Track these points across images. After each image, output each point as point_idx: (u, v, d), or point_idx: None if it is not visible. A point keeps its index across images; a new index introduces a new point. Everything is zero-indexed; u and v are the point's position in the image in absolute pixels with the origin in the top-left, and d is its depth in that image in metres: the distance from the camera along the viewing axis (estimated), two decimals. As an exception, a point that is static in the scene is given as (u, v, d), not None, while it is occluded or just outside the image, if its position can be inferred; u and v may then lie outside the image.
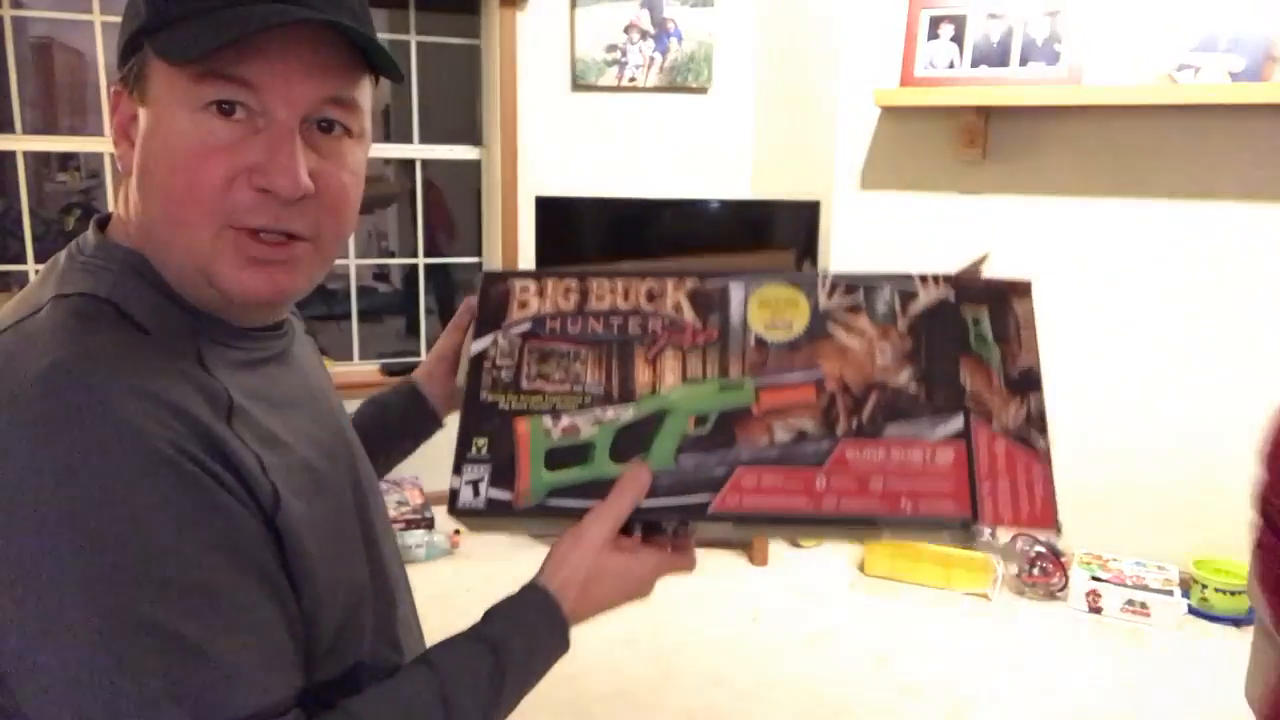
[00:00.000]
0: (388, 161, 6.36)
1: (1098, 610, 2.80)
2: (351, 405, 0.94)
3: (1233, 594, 2.73)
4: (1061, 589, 2.89)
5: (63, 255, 0.68)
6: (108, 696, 0.53)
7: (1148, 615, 2.75)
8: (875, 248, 3.23)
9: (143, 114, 0.65)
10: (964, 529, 0.69)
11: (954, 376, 0.73)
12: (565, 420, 0.74)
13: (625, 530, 0.73)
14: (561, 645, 0.72)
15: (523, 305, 0.79)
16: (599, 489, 0.72)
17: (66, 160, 9.94)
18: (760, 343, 0.75)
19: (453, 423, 1.02)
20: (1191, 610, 2.80)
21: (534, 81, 3.36)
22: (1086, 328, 2.98)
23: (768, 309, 0.77)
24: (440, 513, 3.21)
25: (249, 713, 0.57)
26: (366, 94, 0.69)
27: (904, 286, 0.77)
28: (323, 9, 0.63)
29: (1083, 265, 2.97)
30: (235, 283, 0.65)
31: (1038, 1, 2.86)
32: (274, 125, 0.63)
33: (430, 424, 1.03)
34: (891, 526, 0.71)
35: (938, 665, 2.51)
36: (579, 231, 3.22)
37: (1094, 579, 2.82)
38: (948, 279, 0.77)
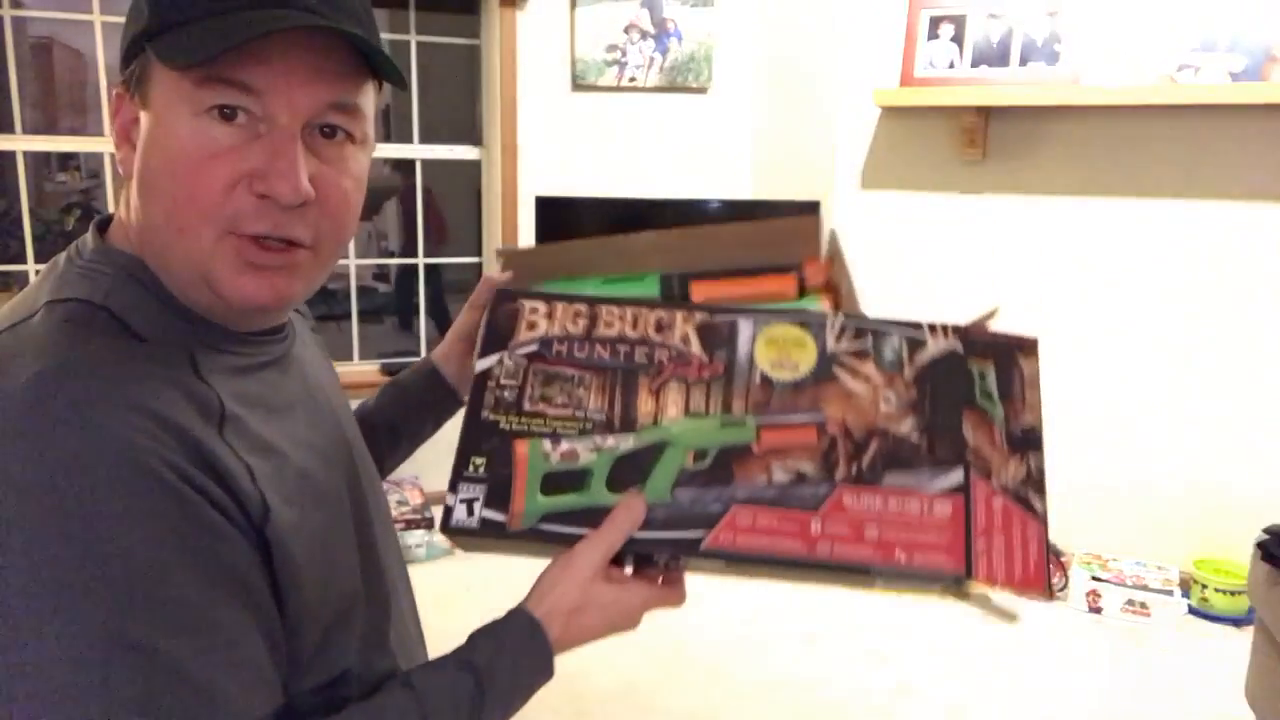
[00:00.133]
0: (386, 162, 6.36)
1: (1098, 610, 2.81)
2: (351, 405, 0.94)
3: (1233, 594, 2.73)
4: (1061, 589, 2.89)
5: (62, 258, 0.68)
6: (81, 715, 0.52)
7: (1148, 615, 2.75)
8: (875, 248, 3.23)
9: (144, 117, 0.64)
10: (956, 584, 0.69)
11: (956, 429, 0.73)
12: (564, 445, 0.74)
13: (617, 561, 0.72)
14: (545, 672, 0.71)
15: (531, 326, 0.78)
16: (593, 517, 0.71)
17: (66, 160, 9.94)
18: (765, 381, 0.75)
19: (457, 422, 1.02)
20: (1191, 610, 2.80)
21: (534, 81, 3.36)
22: (1086, 328, 2.98)
23: (775, 348, 0.76)
24: (440, 513, 3.21)
25: None
26: (369, 99, 0.69)
27: (912, 335, 0.77)
28: (326, 14, 0.63)
29: (1083, 265, 2.97)
30: (235, 288, 0.65)
31: (1038, 1, 2.86)
32: (276, 131, 0.63)
33: (451, 403, 1.03)
34: (884, 576, 0.70)
35: (937, 665, 2.51)
36: (579, 232, 3.22)
37: (1094, 579, 2.82)
38: (956, 330, 0.77)
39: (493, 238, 3.53)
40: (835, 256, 1.07)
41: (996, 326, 0.78)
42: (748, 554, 0.70)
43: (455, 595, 2.81)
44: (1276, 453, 2.77)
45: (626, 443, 0.74)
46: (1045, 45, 2.86)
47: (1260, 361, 2.79)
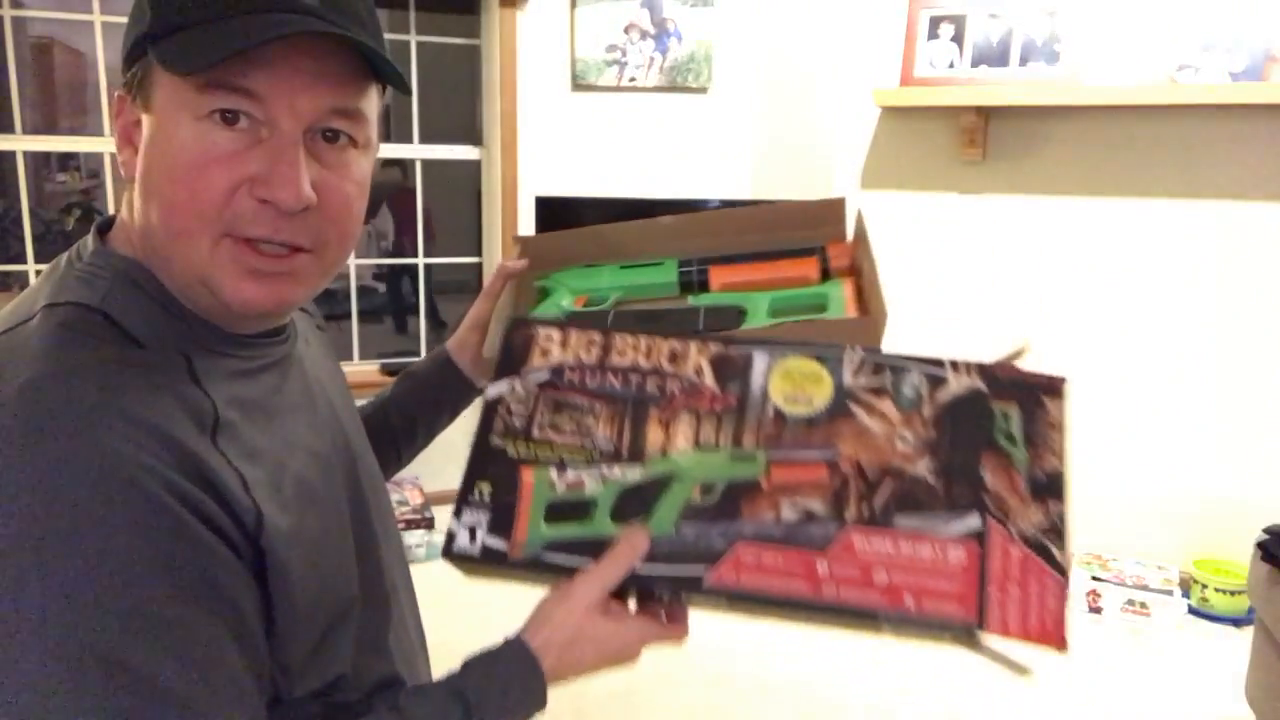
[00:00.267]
0: (385, 162, 6.35)
1: (1098, 610, 2.81)
2: (356, 404, 0.94)
3: (1233, 594, 2.73)
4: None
5: (62, 260, 0.68)
6: None
7: (1148, 615, 2.75)
8: (875, 248, 3.22)
9: (146, 121, 0.64)
10: (968, 634, 0.67)
11: (975, 472, 0.70)
12: (571, 474, 0.73)
13: (620, 594, 0.71)
14: (537, 703, 0.69)
15: (544, 353, 0.78)
16: (595, 548, 0.70)
17: (66, 160, 9.94)
18: (778, 415, 0.73)
19: (463, 420, 1.02)
20: (1191, 610, 2.80)
21: (534, 81, 3.36)
22: (1086, 328, 2.98)
23: (790, 381, 0.75)
24: (440, 513, 3.21)
25: None
26: (372, 104, 0.68)
27: (933, 372, 0.74)
28: (329, 19, 0.62)
29: (1083, 265, 2.97)
30: (235, 293, 0.64)
31: (1038, 1, 2.86)
32: (277, 136, 0.62)
33: (467, 391, 1.03)
34: (892, 623, 0.68)
35: (937, 665, 2.51)
36: (579, 232, 3.22)
37: (1094, 579, 2.82)
38: (980, 368, 0.74)
39: (493, 238, 3.53)
40: (860, 238, 1.04)
41: (1024, 364, 0.75)
42: (750, 593, 0.69)
43: (455, 595, 2.81)
44: (1276, 453, 2.78)
45: (633, 474, 0.73)
46: (1045, 45, 2.86)
47: (1261, 361, 2.79)
